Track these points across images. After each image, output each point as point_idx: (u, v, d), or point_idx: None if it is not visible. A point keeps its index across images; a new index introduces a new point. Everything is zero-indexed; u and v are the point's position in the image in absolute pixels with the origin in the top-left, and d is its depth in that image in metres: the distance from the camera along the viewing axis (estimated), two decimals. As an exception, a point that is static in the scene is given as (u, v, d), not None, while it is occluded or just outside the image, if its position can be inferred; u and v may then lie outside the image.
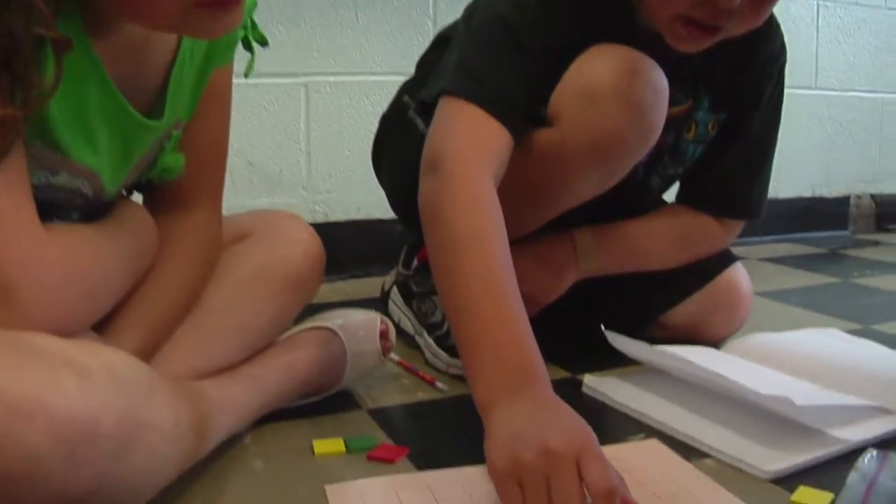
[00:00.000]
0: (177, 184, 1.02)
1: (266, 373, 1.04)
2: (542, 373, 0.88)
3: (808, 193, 2.85)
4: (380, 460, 0.97)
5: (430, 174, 1.03)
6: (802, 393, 1.03)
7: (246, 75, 1.05)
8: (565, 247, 1.31)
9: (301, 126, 2.01)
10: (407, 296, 1.42)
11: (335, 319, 1.16)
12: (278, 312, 1.07)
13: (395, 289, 1.49)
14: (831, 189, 2.92)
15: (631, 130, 1.09)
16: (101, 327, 0.88)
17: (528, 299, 1.19)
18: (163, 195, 1.04)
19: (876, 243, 2.74)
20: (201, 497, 0.87)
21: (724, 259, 1.41)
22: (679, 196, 1.43)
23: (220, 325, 1.01)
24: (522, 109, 1.10)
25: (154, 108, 0.92)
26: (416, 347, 1.37)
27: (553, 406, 0.84)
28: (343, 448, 0.99)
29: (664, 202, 1.47)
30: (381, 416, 1.11)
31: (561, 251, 1.31)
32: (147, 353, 0.89)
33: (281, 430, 1.05)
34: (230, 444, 0.97)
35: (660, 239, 1.36)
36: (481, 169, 1.02)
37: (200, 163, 1.03)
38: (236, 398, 0.97)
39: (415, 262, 1.40)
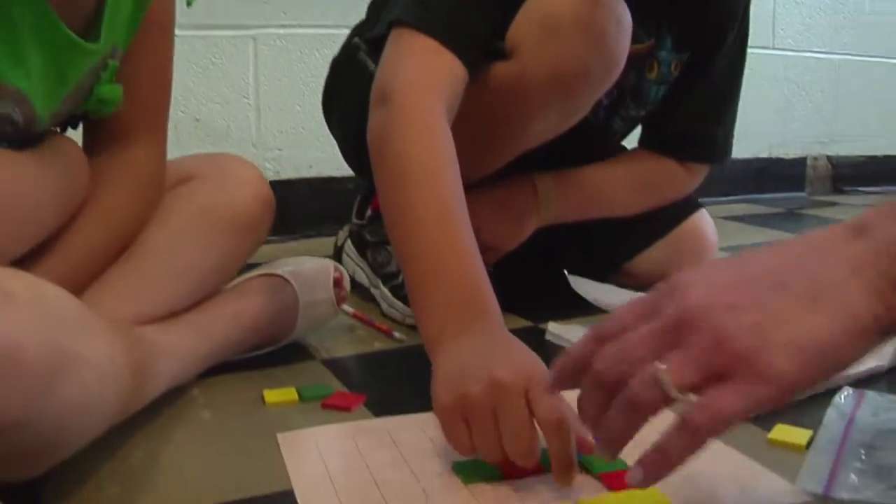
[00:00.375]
0: (115, 118, 0.95)
1: (212, 320, 0.98)
2: (495, 309, 0.82)
3: (764, 154, 2.84)
4: (335, 408, 0.91)
5: (380, 107, 0.97)
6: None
7: (189, 4, 0.98)
8: (526, 193, 1.27)
9: (250, 80, 1.93)
10: (361, 247, 1.36)
11: (286, 267, 1.10)
12: (225, 257, 1.01)
13: (348, 241, 1.43)
14: (788, 150, 2.90)
15: (593, 61, 1.04)
16: (27, 262, 0.81)
17: (488, 247, 1.17)
18: (101, 131, 0.97)
19: (833, 204, 2.73)
20: (143, 447, 0.81)
21: (689, 205, 1.37)
22: (641, 140, 1.39)
23: (162, 268, 0.94)
24: (477, 41, 1.04)
25: (90, 30, 0.86)
26: (372, 300, 1.31)
27: (504, 340, 0.80)
28: (296, 397, 0.94)
29: (625, 148, 1.43)
30: (336, 366, 1.05)
31: (522, 197, 1.27)
32: (73, 290, 0.83)
33: (230, 382, 0.98)
34: (176, 395, 0.91)
35: (622, 185, 1.32)
36: (433, 101, 0.96)
37: (141, 96, 0.97)
38: (180, 345, 0.91)
39: (368, 212, 1.35)
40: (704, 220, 1.37)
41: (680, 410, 0.56)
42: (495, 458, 0.70)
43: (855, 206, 2.68)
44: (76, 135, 0.98)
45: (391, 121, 0.95)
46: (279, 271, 1.09)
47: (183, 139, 1.85)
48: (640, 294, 1.08)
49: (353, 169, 1.45)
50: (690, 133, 1.33)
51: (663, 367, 0.55)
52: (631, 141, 1.43)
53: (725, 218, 2.31)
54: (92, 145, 0.97)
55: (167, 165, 1.03)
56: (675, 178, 1.35)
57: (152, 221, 0.97)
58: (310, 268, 1.12)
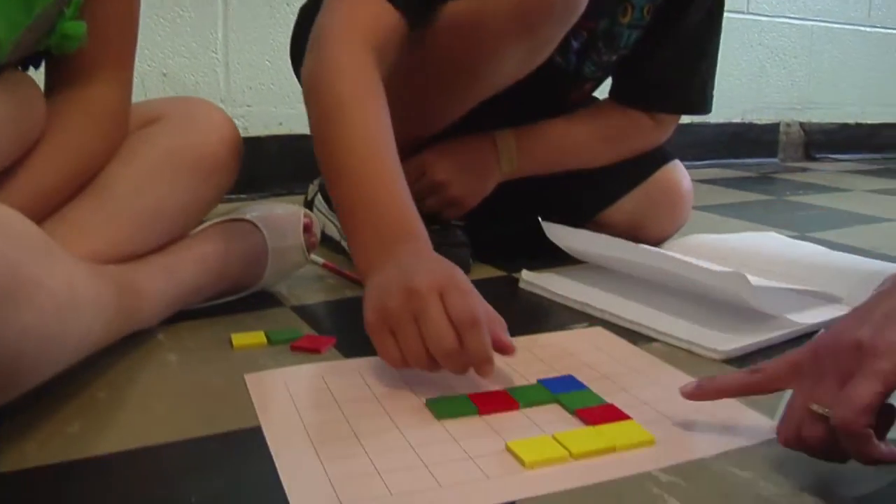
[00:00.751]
0: (78, 55, 0.92)
1: (179, 263, 0.95)
2: (421, 233, 0.85)
3: (738, 119, 2.83)
4: (304, 350, 0.89)
5: (310, 53, 0.97)
6: (753, 279, 0.98)
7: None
8: (486, 149, 1.25)
9: (218, 35, 1.89)
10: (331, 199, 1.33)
11: (254, 212, 1.07)
12: (190, 200, 0.98)
13: (318, 195, 1.40)
14: (761, 115, 2.89)
15: None
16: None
17: (452, 202, 1.15)
18: (63, 68, 0.94)
19: (805, 170, 2.74)
20: (107, 388, 0.78)
21: (662, 157, 1.35)
22: (611, 92, 1.36)
23: (126, 207, 0.91)
24: None
25: None
26: (342, 252, 1.29)
27: (427, 258, 0.81)
28: (264, 340, 0.91)
29: (596, 99, 1.41)
30: (306, 313, 1.03)
31: (483, 154, 1.25)
32: None
33: (197, 327, 0.96)
34: (141, 339, 0.89)
35: (585, 138, 1.30)
36: (360, 43, 0.96)
37: (105, 32, 0.93)
38: (145, 285, 0.88)
39: None
40: (678, 170, 1.35)
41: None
42: (423, 364, 0.73)
43: (827, 171, 2.68)
44: (39, 76, 0.95)
45: (320, 62, 0.95)
46: (248, 216, 1.06)
47: (150, 94, 1.81)
48: (615, 239, 1.08)
49: None
50: (659, 83, 1.31)
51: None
52: (604, 92, 1.41)
53: (698, 181, 2.29)
54: (53, 83, 0.94)
55: (134, 107, 1.00)
56: (641, 129, 1.33)
57: (116, 161, 0.94)
58: (279, 213, 1.09)
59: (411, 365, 0.74)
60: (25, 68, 0.95)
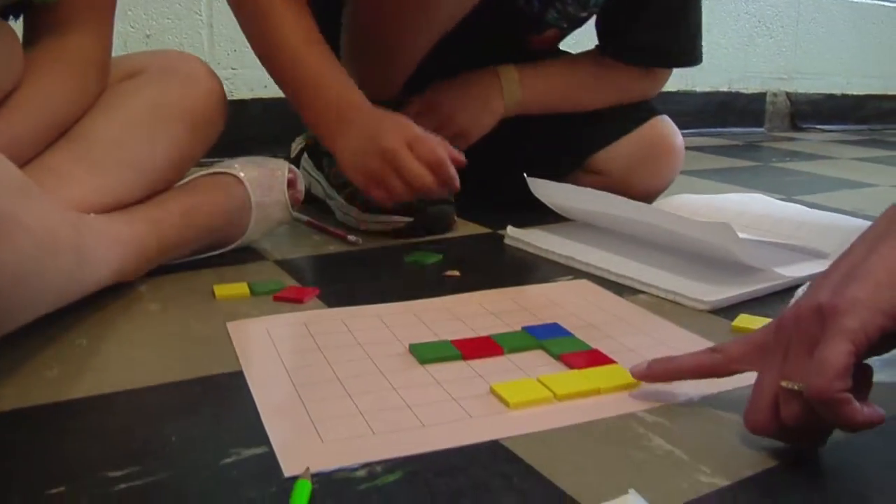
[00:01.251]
0: (58, 5, 0.91)
1: (163, 215, 0.94)
2: (363, 101, 1.04)
3: (725, 88, 2.82)
4: (287, 301, 0.88)
5: None
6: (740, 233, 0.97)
7: None
8: (490, 80, 1.28)
9: (201, -5, 1.87)
10: (317, 157, 1.32)
11: (238, 166, 1.06)
12: (175, 153, 0.97)
13: (305, 155, 1.39)
14: (748, 85, 2.89)
15: None
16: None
17: (461, 133, 1.18)
18: (43, 19, 0.93)
19: (791, 139, 2.73)
20: (87, 335, 0.77)
21: (651, 109, 1.37)
22: (602, 49, 1.36)
23: (109, 158, 0.90)
24: None
25: None
26: (328, 212, 1.28)
27: (376, 118, 1.03)
28: (247, 291, 0.90)
29: (565, 53, 1.42)
30: (290, 266, 1.02)
31: (486, 85, 1.28)
32: None
33: (180, 279, 0.95)
34: (122, 290, 0.88)
35: (584, 78, 1.33)
36: None
37: None
38: (128, 235, 0.87)
39: None
40: (670, 124, 1.36)
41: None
42: (409, 197, 1.03)
43: (813, 141, 2.68)
44: (18, 28, 0.93)
45: None
46: (231, 170, 1.04)
47: (132, 56, 1.79)
48: (601, 192, 1.07)
49: None
50: (649, 39, 1.31)
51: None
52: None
53: (686, 149, 2.29)
54: (32, 34, 0.93)
55: (115, 61, 0.99)
56: (635, 79, 1.35)
57: (98, 112, 0.93)
58: (263, 168, 1.08)
59: (400, 199, 1.03)
60: (5, 18, 0.93)
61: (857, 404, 0.50)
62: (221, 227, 1.02)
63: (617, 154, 1.32)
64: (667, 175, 1.35)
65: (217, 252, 1.03)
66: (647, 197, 1.32)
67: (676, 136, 1.35)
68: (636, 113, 1.34)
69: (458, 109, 1.25)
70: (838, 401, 0.50)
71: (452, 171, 1.00)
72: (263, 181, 1.06)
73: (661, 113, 1.36)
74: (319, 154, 1.32)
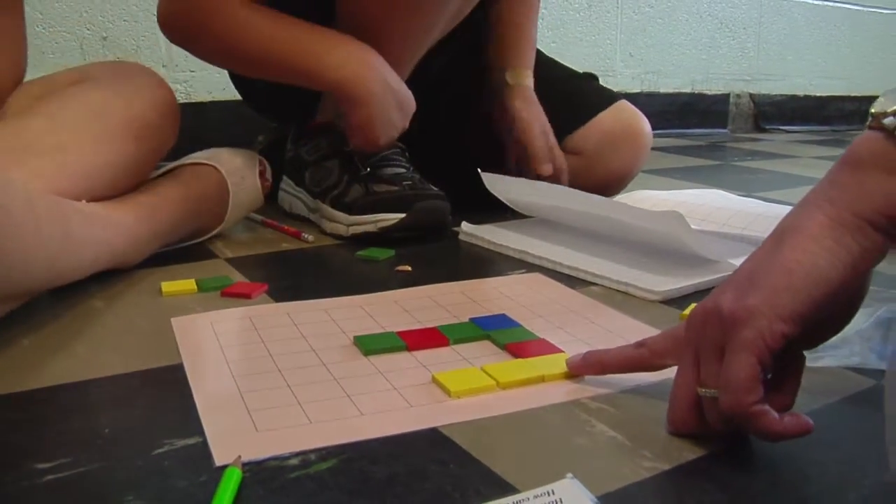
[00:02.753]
0: None
1: (157, 201, 0.97)
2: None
3: (688, 89, 2.83)
4: (235, 296, 0.87)
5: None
6: (695, 226, 0.97)
7: None
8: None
9: (159, -3, 1.85)
10: (299, 171, 1.26)
11: (212, 156, 1.09)
12: (119, 160, 0.95)
13: (283, 176, 1.34)
14: (711, 86, 2.90)
15: None
16: None
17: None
18: None
19: (755, 140, 2.75)
20: (30, 335, 0.75)
21: (612, 95, 1.42)
22: None
23: (50, 164, 0.87)
24: None
25: None
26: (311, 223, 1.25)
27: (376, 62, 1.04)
28: (194, 287, 0.89)
29: None
30: (240, 263, 1.01)
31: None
32: None
33: (129, 277, 0.93)
34: (69, 289, 0.86)
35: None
36: None
37: None
38: (119, 217, 0.88)
39: (303, 133, 1.28)
40: (635, 108, 1.40)
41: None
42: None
43: (776, 141, 2.70)
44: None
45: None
46: (209, 161, 1.08)
47: (90, 58, 1.77)
48: (554, 186, 1.07)
49: (242, 95, 1.40)
50: None
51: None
52: None
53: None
54: None
55: (67, 69, 1.02)
56: None
57: (40, 116, 0.92)
58: (237, 157, 1.11)
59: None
60: None
61: (773, 416, 0.50)
62: (206, 215, 1.05)
63: (591, 133, 1.35)
64: (639, 156, 1.38)
65: (200, 240, 1.08)
66: (621, 178, 1.37)
67: (645, 122, 1.39)
68: (603, 98, 1.39)
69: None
70: (751, 414, 0.49)
71: None
72: (238, 170, 1.09)
73: (617, 98, 1.41)
74: (301, 165, 1.26)
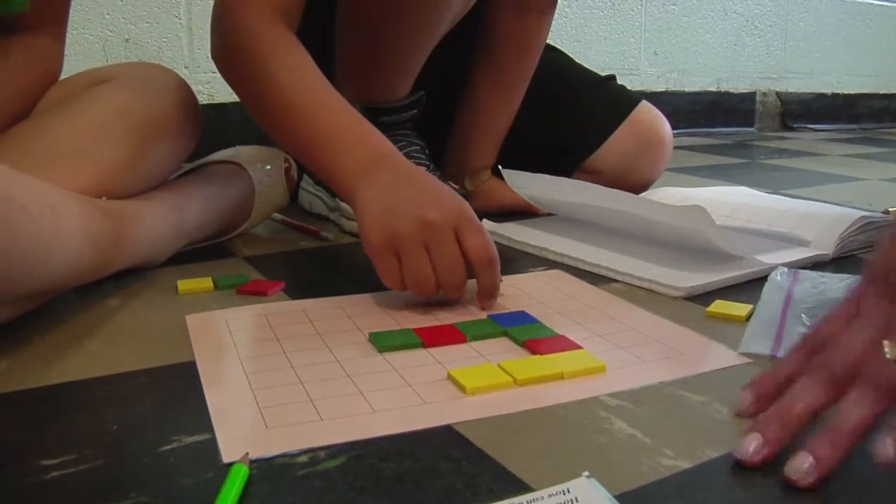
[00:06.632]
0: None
1: (184, 201, 0.97)
2: (393, 149, 0.85)
3: (713, 87, 2.80)
4: (251, 294, 0.86)
5: (219, 25, 0.94)
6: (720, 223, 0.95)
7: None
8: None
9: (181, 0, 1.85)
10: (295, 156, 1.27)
11: (239, 155, 1.10)
12: (140, 161, 0.94)
13: (304, 174, 1.34)
14: (737, 84, 2.87)
15: None
16: None
17: None
18: None
19: (782, 138, 2.72)
20: (42, 332, 0.75)
21: (634, 96, 1.38)
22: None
23: (68, 165, 0.87)
24: None
25: None
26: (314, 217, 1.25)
27: (418, 176, 0.81)
28: (211, 286, 0.88)
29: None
30: (257, 262, 1.00)
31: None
32: None
33: (145, 276, 0.92)
34: (84, 288, 0.85)
35: (507, 94, 1.29)
36: (268, 8, 0.92)
37: None
38: (145, 216, 0.88)
39: None
40: (653, 111, 1.37)
41: None
42: (426, 291, 0.76)
43: (803, 140, 2.67)
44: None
45: (230, 33, 0.92)
46: (235, 159, 1.08)
47: (112, 60, 1.78)
48: (577, 182, 1.05)
49: None
50: None
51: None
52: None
53: (673, 148, 2.27)
54: None
55: (88, 70, 1.02)
56: (534, 28, 1.28)
57: (61, 118, 0.92)
58: (262, 156, 1.12)
59: (409, 287, 0.76)
60: None
61: None
62: (231, 213, 1.06)
63: (610, 152, 1.33)
64: (660, 166, 1.36)
65: (226, 238, 1.08)
66: (642, 188, 1.34)
67: (664, 126, 1.36)
68: (620, 104, 1.34)
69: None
70: None
71: (498, 282, 0.79)
72: (263, 168, 1.10)
73: (638, 100, 1.37)
74: None
